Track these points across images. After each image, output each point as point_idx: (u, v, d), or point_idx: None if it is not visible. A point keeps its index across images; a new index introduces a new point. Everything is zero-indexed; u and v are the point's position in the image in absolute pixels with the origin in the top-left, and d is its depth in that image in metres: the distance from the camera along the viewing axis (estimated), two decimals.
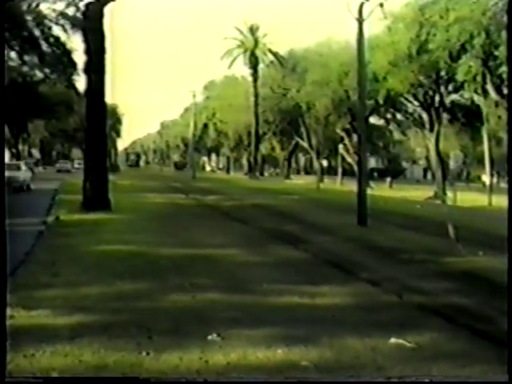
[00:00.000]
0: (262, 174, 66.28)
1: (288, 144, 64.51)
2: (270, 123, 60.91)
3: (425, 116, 35.09)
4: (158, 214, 17.85)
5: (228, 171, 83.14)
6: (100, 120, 19.00)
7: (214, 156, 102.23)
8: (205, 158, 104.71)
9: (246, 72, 63.50)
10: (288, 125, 57.44)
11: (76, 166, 73.06)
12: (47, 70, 33.69)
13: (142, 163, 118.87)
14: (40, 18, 28.60)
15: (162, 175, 63.91)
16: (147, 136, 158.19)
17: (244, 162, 79.18)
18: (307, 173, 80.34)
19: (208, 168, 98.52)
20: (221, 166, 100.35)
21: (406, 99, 36.93)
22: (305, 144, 54.79)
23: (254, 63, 60.69)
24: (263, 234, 14.02)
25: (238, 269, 9.25)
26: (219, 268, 9.29)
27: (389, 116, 46.06)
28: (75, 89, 34.43)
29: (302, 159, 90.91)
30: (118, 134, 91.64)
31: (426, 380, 4.72)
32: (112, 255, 10.08)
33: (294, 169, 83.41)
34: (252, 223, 16.09)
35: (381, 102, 35.88)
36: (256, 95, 59.23)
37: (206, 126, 79.46)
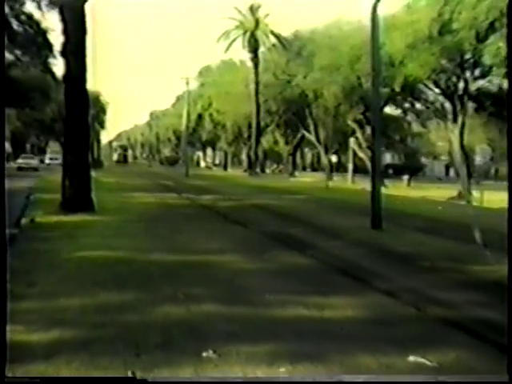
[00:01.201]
0: (263, 170, 66.39)
1: (293, 137, 64.62)
2: (272, 114, 60.99)
3: (447, 105, 35.13)
4: (147, 216, 17.87)
5: (225, 168, 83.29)
6: (81, 109, 18.95)
7: (209, 151, 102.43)
8: (199, 153, 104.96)
9: (246, 56, 63.69)
10: (293, 115, 57.50)
11: (48, 161, 71.46)
12: (18, 52, 33.55)
13: (130, 159, 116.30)
14: None
15: (151, 172, 63.96)
16: (134, 128, 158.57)
17: (243, 157, 79.48)
18: (314, 170, 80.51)
19: (203, 164, 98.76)
20: (217, 161, 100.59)
21: (426, 86, 36.95)
22: (312, 137, 54.85)
23: (254, 46, 60.75)
24: (265, 238, 14.05)
25: (237, 277, 9.26)
26: (216, 276, 9.30)
27: (406, 105, 46.13)
28: (52, 73, 34.26)
29: (308, 154, 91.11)
30: (102, 126, 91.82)
31: (426, 380, 5.09)
32: (95, 262, 10.09)
33: (300, 165, 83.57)
34: (252, 226, 16.12)
35: (397, 89, 35.91)
36: (257, 82, 59.31)
37: (200, 116, 79.71)
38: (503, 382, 4.98)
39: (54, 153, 73.29)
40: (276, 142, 70.57)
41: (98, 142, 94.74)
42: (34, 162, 56.91)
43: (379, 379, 5.11)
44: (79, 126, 18.83)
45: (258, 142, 62.29)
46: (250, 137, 66.41)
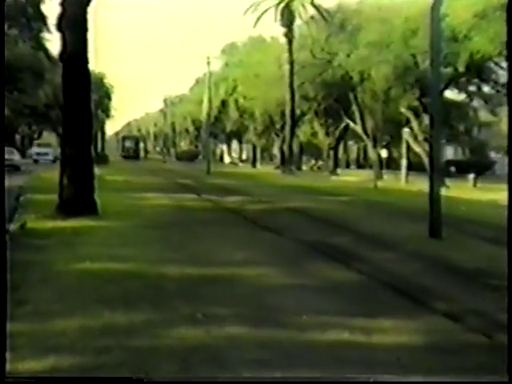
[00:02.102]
0: (298, 167, 66.34)
1: (334, 128, 64.52)
2: (310, 100, 60.92)
3: None
4: (161, 221, 17.90)
5: (254, 164, 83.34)
6: (81, 93, 19.01)
7: (235, 144, 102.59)
8: (223, 147, 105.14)
9: (278, 31, 63.63)
10: (334, 102, 57.42)
11: (35, 157, 64.46)
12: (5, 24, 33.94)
13: (141, 153, 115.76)
14: None
15: (165, 169, 64.25)
16: (146, 117, 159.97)
17: (275, 151, 79.46)
18: (360, 166, 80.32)
19: (227, 159, 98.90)
20: (244, 156, 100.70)
21: (497, 64, 36.59)
22: (357, 128, 54.69)
23: (288, 19, 60.62)
24: (302, 248, 14.03)
25: (267, 294, 9.24)
26: (243, 293, 9.29)
27: (472, 89, 45.76)
28: (46, 51, 34.23)
29: (352, 148, 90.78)
30: (107, 114, 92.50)
31: (426, 380, 5.57)
32: (98, 276, 10.11)
33: (343, 161, 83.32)
34: (287, 233, 16.10)
35: (461, 69, 35.65)
36: (291, 62, 59.21)
37: (224, 103, 79.89)
38: (503, 382, 5.50)
39: (43, 146, 69.18)
40: (314, 134, 70.44)
41: (103, 133, 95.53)
42: (15, 157, 46.28)
43: (379, 379, 5.41)
44: (80, 113, 18.89)
45: (292, 133, 62.20)
46: (283, 127, 66.37)
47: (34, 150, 67.96)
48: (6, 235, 13.96)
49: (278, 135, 73.04)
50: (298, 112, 62.82)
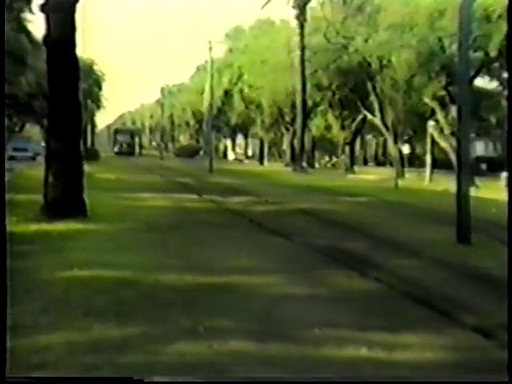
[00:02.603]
0: (311, 164, 66.36)
1: (351, 121, 64.48)
2: (323, 89, 60.94)
3: None
4: (158, 225, 17.92)
5: (261, 161, 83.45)
6: (68, 81, 18.99)
7: (240, 138, 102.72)
8: (227, 142, 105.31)
9: (289, 13, 63.58)
10: (351, 92, 57.40)
11: (11, 152, 56.79)
12: None
13: (137, 148, 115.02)
14: None
15: (163, 166, 64.33)
16: (141, 108, 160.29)
17: (285, 147, 79.35)
18: (379, 163, 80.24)
19: (231, 156, 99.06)
20: (250, 152, 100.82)
21: None
22: (376, 120, 54.69)
23: (301, 0, 60.62)
24: (314, 254, 14.06)
25: (276, 305, 9.25)
26: (248, 304, 9.30)
27: (506, 76, 45.57)
28: (28, 33, 34.16)
29: (371, 143, 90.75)
30: (98, 104, 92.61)
31: (426, 380, 5.93)
32: (88, 285, 10.11)
33: (360, 158, 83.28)
34: (298, 238, 16.14)
35: (493, 53, 35.56)
36: (303, 48, 59.17)
37: (228, 93, 79.93)
38: (503, 382, 5.85)
39: (21, 140, 66.86)
40: (328, 127, 70.46)
41: (93, 126, 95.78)
42: None
43: (379, 379, 5.72)
44: (67, 103, 18.87)
45: (304, 126, 62.18)
46: (293, 120, 66.43)
47: (11, 144, 61.43)
48: None
49: (287, 129, 73.07)
50: (309, 103, 62.88)
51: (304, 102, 60.65)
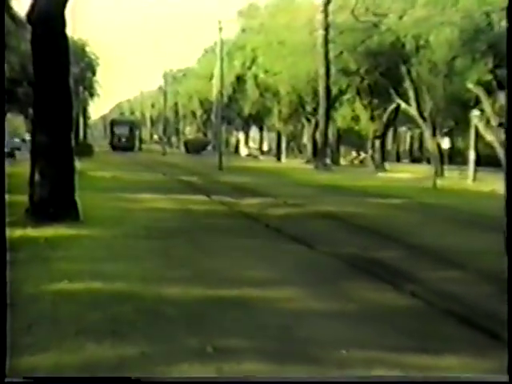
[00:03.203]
0: (335, 161, 66.34)
1: (382, 110, 64.29)
2: (350, 74, 60.78)
3: None
4: (160, 230, 17.97)
5: (278, 156, 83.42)
6: (57, 65, 18.96)
7: (254, 131, 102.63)
8: (239, 135, 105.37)
9: None
10: (382, 77, 57.18)
11: None
12: None
13: (137, 142, 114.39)
14: None
15: (166, 162, 64.46)
16: (141, 96, 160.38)
17: (305, 141, 79.30)
18: (414, 160, 79.97)
19: (244, 151, 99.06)
20: (266, 147, 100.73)
21: None
22: (411, 110, 54.56)
23: None
24: (340, 265, 14.06)
25: (296, 322, 9.24)
26: (264, 321, 9.29)
27: None
28: (9, 10, 34.39)
29: (405, 136, 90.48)
30: (91, 92, 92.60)
31: (426, 380, 6.58)
32: (79, 299, 10.13)
33: (392, 153, 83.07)
34: (320, 246, 16.12)
35: None
36: (327, 27, 59.10)
37: (240, 79, 79.93)
38: (503, 381, 6.40)
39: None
40: (356, 118, 70.25)
41: (86, 116, 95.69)
42: None
43: (380, 379, 6.19)
44: (55, 90, 18.86)
45: (327, 117, 62.05)
46: (315, 110, 66.32)
47: None
48: None
49: (309, 120, 73.03)
50: (334, 90, 62.70)
51: (328, 89, 60.49)
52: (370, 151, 68.20)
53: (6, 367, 7.08)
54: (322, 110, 61.38)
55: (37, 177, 18.61)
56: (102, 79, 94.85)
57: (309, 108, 71.29)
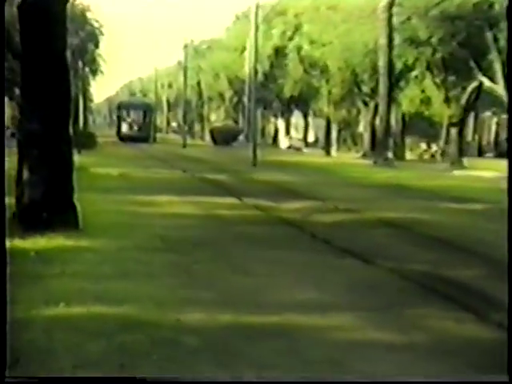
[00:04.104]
0: (400, 155, 66.11)
1: (460, 90, 63.89)
2: (420, 45, 60.50)
3: None
4: (179, 241, 18.03)
5: (328, 149, 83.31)
6: (50, 35, 19.05)
7: (297, 116, 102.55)
8: (278, 122, 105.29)
9: None
10: (460, 47, 56.85)
11: None
12: None
13: (151, 132, 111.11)
14: None
15: (187, 156, 64.61)
16: (155, 74, 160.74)
17: (362, 129, 79.14)
18: (501, 154, 79.39)
19: (285, 142, 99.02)
20: (312, 137, 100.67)
21: None
22: (498, 89, 54.22)
23: None
24: (406, 285, 14.09)
25: (349, 356, 9.29)
26: (309, 354, 9.32)
27: None
28: None
29: (490, 124, 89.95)
30: (93, 69, 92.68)
31: (426, 380, 7.81)
32: (79, 326, 10.20)
33: (473, 145, 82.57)
34: (381, 261, 16.15)
35: None
36: None
37: (279, 52, 79.89)
38: (503, 381, 7.85)
39: None
40: (426, 101, 69.94)
41: (86, 99, 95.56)
42: None
43: (380, 379, 7.02)
44: (49, 66, 18.84)
45: (390, 99, 61.80)
46: (374, 91, 66.15)
47: None
48: None
49: (365, 103, 72.88)
50: (399, 65, 62.47)
51: (390, 63, 60.18)
52: (443, 143, 67.92)
53: None
54: (382, 91, 61.08)
55: (26, 174, 18.62)
56: (106, 53, 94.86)
57: (366, 88, 71.13)
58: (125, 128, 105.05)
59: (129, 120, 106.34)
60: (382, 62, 60.20)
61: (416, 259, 16.63)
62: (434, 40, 58.40)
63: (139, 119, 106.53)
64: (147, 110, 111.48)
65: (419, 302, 12.66)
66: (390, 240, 19.83)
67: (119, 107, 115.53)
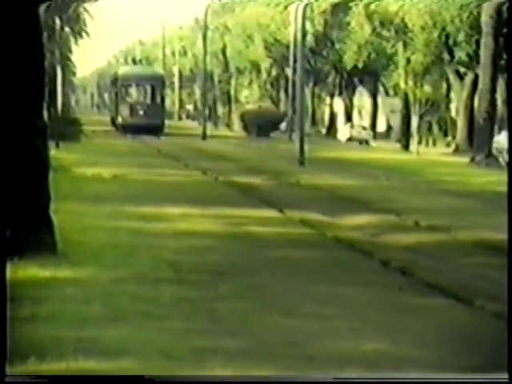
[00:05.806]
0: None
1: None
2: None
3: None
4: (198, 268, 18.17)
5: (406, 142, 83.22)
6: None
7: (361, 95, 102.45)
8: (336, 103, 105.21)
9: None
10: None
11: None
12: None
13: (164, 118, 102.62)
14: None
15: (207, 151, 65.01)
16: (161, 37, 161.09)
17: (453, 112, 78.98)
18: None
19: (345, 132, 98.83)
20: (383, 126, 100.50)
21: None
22: None
23: None
24: None
25: None
26: None
27: None
28: None
29: None
30: (76, 29, 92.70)
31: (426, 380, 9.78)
32: None
33: None
34: (482, 301, 16.12)
35: None
36: None
37: (336, 5, 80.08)
38: (503, 382, 9.87)
39: None
40: None
41: (65, 71, 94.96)
42: None
43: (380, 379, 8.78)
44: (13, 26, 19.13)
45: (495, 70, 61.49)
46: (471, 58, 66.05)
47: None
48: None
49: (460, 76, 72.78)
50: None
51: (499, 15, 59.36)
52: None
53: None
54: (484, 59, 60.51)
55: None
56: (93, 7, 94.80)
57: (461, 54, 70.98)
58: (125, 112, 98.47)
59: (130, 100, 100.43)
60: (485, 16, 59.54)
61: None
62: None
63: (146, 99, 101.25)
64: (156, 86, 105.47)
65: None
66: (494, 272, 19.59)
67: (115, 81, 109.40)
